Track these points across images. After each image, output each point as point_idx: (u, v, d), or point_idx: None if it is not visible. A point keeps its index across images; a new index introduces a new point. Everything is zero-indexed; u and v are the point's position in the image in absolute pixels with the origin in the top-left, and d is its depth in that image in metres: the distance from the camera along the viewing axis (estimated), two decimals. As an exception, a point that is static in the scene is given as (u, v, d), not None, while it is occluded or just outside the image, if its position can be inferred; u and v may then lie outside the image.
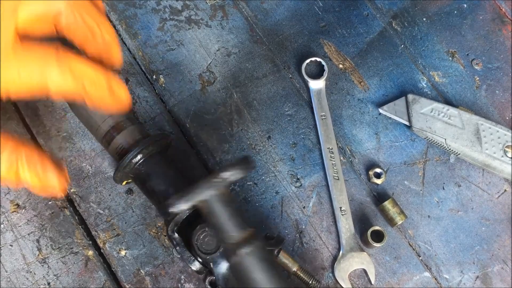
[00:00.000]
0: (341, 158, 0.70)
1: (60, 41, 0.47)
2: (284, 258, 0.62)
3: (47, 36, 0.48)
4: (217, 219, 0.52)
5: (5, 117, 0.70)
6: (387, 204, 0.66)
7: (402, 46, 0.75)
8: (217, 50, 0.74)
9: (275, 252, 0.61)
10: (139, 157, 0.60)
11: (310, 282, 0.63)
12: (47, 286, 0.65)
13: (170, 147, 0.66)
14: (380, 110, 0.71)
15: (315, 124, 0.71)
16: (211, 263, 0.59)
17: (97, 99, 0.47)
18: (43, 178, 0.48)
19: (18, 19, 0.45)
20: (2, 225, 0.66)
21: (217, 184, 0.50)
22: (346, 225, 0.67)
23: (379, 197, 0.69)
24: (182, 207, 0.50)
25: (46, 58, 0.45)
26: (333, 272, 0.66)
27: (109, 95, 0.47)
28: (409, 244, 0.68)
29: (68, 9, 0.46)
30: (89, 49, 0.49)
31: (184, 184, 0.62)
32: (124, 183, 0.66)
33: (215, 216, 0.52)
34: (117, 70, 0.52)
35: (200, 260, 0.60)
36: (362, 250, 0.66)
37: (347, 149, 0.71)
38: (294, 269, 0.63)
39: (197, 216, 0.61)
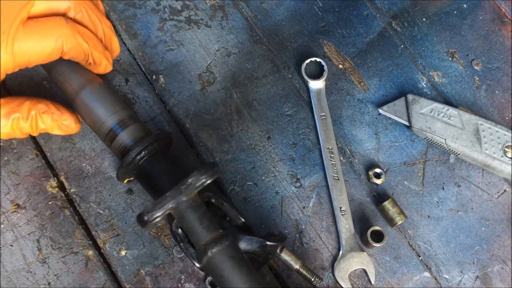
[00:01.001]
0: (341, 158, 0.70)
1: None
2: (286, 255, 0.62)
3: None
4: (187, 223, 0.55)
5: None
6: (387, 204, 0.66)
7: (402, 46, 0.75)
8: (217, 50, 0.74)
9: (278, 249, 0.61)
10: (143, 153, 0.60)
11: (313, 279, 0.63)
12: (47, 286, 0.65)
13: (172, 145, 0.66)
14: (380, 110, 0.71)
15: (315, 124, 0.71)
16: None
17: (97, 57, 0.61)
18: (59, 121, 0.61)
19: (30, 9, 0.57)
20: (2, 225, 0.66)
21: (183, 191, 0.54)
22: (346, 225, 0.67)
23: (379, 197, 0.69)
24: (156, 214, 0.54)
25: (59, 24, 0.57)
26: (333, 272, 0.66)
27: (105, 58, 0.62)
28: (409, 244, 0.68)
29: (76, 5, 0.59)
30: None
31: None
32: (125, 181, 0.66)
33: (185, 220, 0.55)
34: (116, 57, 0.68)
35: None
36: (362, 250, 0.66)
37: (347, 149, 0.71)
38: (297, 266, 0.63)
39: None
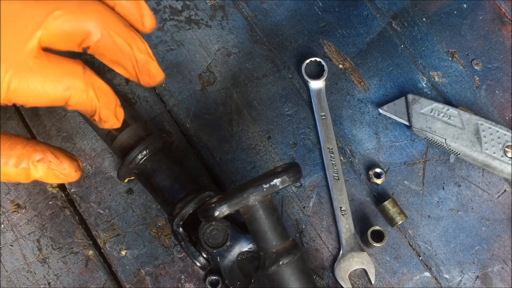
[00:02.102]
0: (341, 158, 0.70)
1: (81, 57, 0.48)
2: None
3: (71, 52, 0.47)
4: (259, 226, 0.50)
5: (5, 117, 0.70)
6: (387, 204, 0.66)
7: (402, 46, 0.75)
8: (217, 50, 0.74)
9: None
10: (145, 152, 0.61)
11: (313, 277, 0.63)
12: (48, 286, 0.65)
13: (173, 144, 0.67)
14: (380, 110, 0.71)
15: (315, 124, 0.71)
16: (217, 257, 0.60)
17: (105, 115, 0.49)
18: (58, 171, 0.49)
19: (44, 32, 0.44)
20: (2, 225, 0.66)
21: (265, 191, 0.48)
22: (346, 225, 0.67)
23: (379, 197, 0.69)
24: (226, 211, 0.48)
25: (74, 73, 0.46)
26: (333, 272, 0.66)
27: (114, 117, 0.50)
28: (409, 244, 0.68)
29: (97, 28, 0.45)
30: (121, 69, 0.49)
31: (189, 180, 0.63)
32: (126, 180, 0.66)
33: (258, 223, 0.50)
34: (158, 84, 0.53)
35: (204, 255, 0.61)
36: (362, 250, 0.66)
37: (347, 149, 0.71)
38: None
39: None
